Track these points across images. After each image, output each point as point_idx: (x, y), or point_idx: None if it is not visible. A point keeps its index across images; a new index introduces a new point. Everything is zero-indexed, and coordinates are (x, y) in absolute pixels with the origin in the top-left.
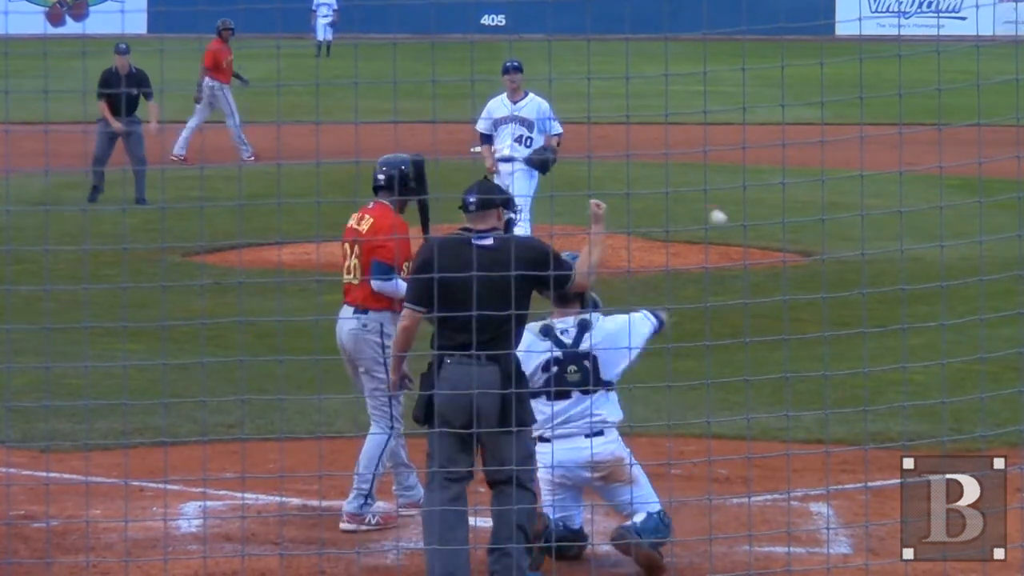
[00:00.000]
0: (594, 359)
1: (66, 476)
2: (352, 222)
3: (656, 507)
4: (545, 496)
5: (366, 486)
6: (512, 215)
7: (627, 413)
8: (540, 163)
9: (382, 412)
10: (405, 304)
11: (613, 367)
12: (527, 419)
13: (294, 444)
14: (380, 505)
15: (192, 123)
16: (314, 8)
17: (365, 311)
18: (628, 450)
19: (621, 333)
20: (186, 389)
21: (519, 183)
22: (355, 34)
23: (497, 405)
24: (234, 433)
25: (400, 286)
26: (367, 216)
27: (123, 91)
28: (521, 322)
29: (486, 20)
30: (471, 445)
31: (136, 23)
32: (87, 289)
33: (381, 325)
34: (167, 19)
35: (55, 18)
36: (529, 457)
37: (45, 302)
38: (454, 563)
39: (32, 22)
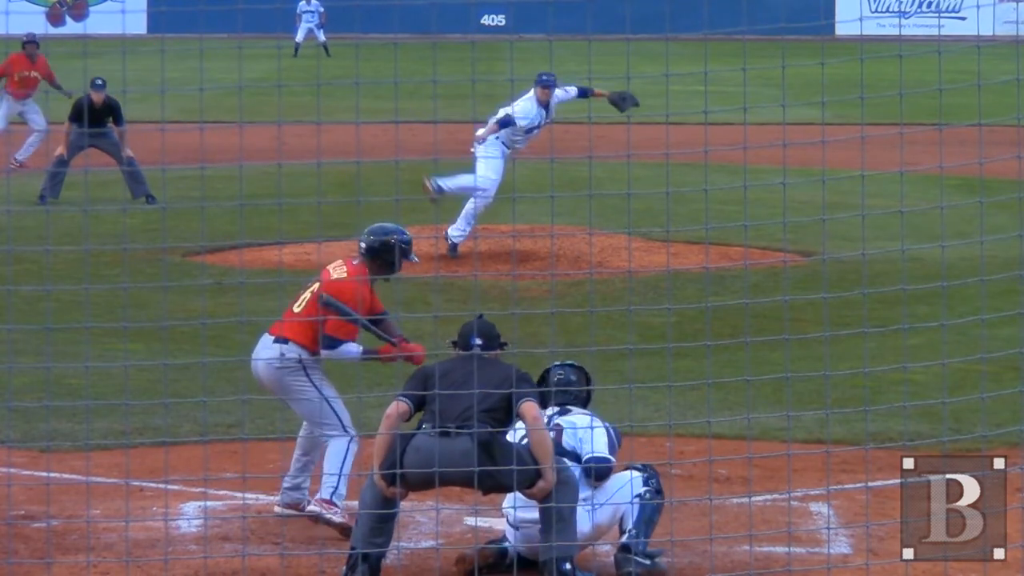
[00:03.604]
0: (559, 431)
1: (66, 476)
2: (331, 267)
3: (639, 485)
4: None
5: (334, 479)
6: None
7: (627, 413)
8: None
9: (330, 424)
10: (398, 396)
11: (575, 437)
12: (524, 473)
13: (294, 444)
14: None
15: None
16: (298, 12)
17: (285, 341)
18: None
19: (584, 423)
20: (186, 389)
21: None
22: (355, 34)
23: (468, 467)
24: (234, 433)
25: (349, 348)
26: (344, 268)
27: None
28: (498, 423)
29: (486, 20)
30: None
31: (136, 23)
32: (87, 289)
33: (299, 356)
34: (167, 19)
35: (55, 18)
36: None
37: (45, 302)
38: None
39: (32, 22)
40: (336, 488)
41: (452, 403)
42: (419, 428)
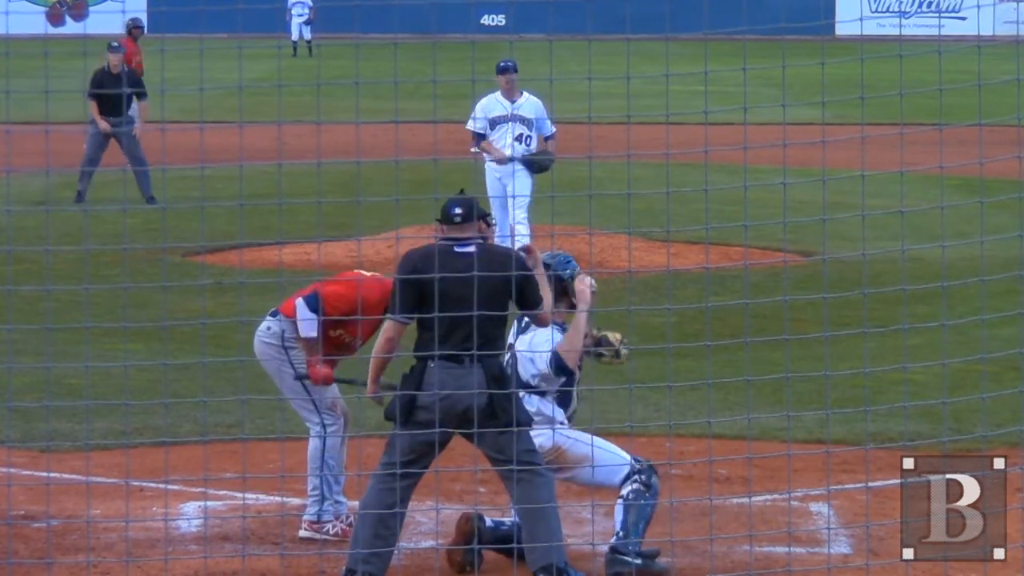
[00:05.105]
0: (513, 357)
1: (66, 476)
2: (367, 273)
3: (620, 474)
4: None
5: (316, 492)
6: (493, 224)
7: (627, 413)
8: (540, 164)
9: (308, 410)
10: (389, 316)
11: (528, 369)
12: (523, 417)
13: (294, 444)
14: (348, 504)
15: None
16: (288, 7)
17: (275, 314)
18: (571, 437)
19: (542, 343)
20: (186, 389)
21: (519, 182)
22: (355, 34)
23: (484, 406)
24: (234, 433)
25: (311, 326)
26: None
27: (122, 90)
28: (502, 326)
29: (486, 20)
30: (444, 446)
31: None
32: (87, 289)
33: (283, 331)
34: (167, 19)
35: (55, 18)
36: (531, 451)
37: (45, 302)
38: (378, 561)
39: (32, 22)
40: (320, 497)
41: (453, 318)
42: (417, 348)
